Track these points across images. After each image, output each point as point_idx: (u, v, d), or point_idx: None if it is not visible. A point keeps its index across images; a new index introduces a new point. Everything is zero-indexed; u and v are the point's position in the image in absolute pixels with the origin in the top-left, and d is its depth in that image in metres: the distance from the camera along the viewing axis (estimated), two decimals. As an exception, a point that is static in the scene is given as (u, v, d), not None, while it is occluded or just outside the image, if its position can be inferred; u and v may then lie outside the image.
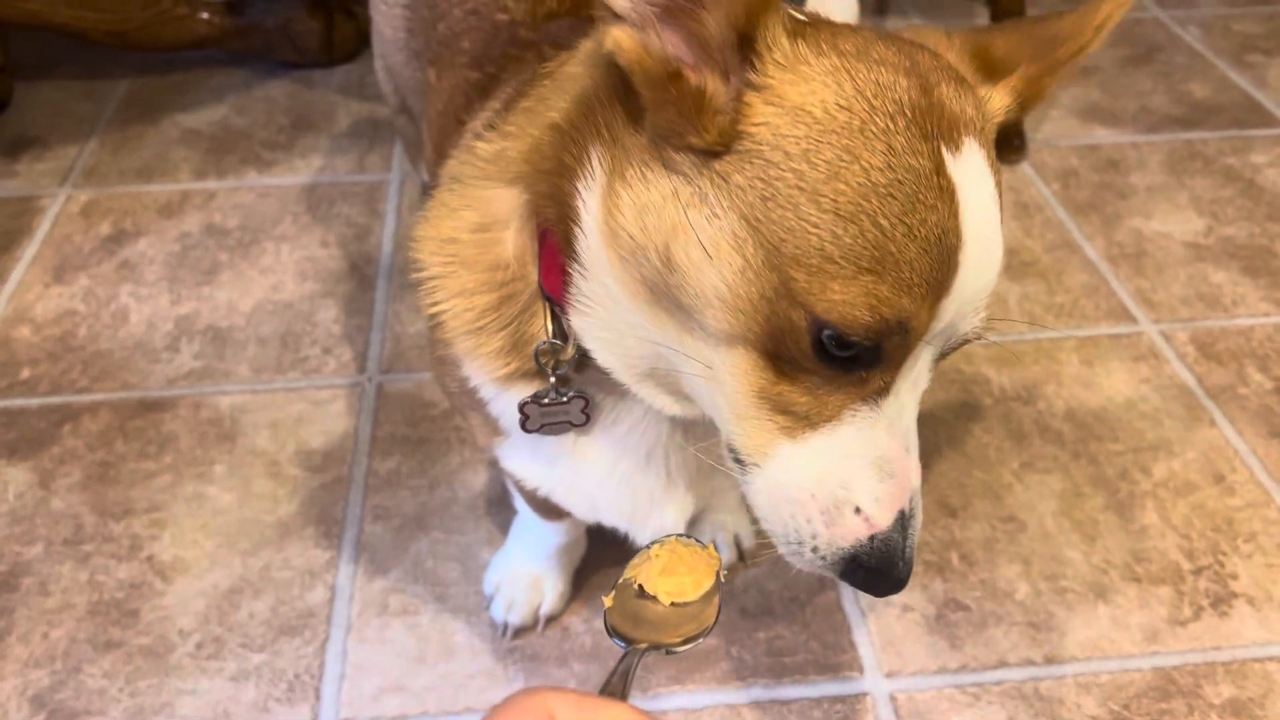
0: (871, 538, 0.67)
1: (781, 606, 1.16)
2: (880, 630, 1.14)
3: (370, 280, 1.63)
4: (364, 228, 1.74)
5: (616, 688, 0.64)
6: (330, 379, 1.45)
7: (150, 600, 1.17)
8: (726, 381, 0.67)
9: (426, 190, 1.11)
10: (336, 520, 1.26)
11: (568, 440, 0.83)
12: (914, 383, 0.67)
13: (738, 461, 0.70)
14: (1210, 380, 1.44)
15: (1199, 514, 1.26)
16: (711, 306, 0.65)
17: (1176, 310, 1.56)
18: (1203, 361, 1.47)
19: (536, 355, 0.76)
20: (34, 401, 1.42)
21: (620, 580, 0.72)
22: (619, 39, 0.63)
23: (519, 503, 1.08)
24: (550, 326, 0.75)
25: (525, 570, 1.13)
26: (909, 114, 0.62)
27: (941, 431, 1.36)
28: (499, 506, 1.27)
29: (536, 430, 0.80)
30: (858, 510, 0.67)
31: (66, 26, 2.04)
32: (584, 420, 0.80)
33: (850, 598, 1.17)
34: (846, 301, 0.61)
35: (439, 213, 0.79)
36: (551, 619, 1.14)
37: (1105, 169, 1.87)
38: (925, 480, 1.30)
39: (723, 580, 0.72)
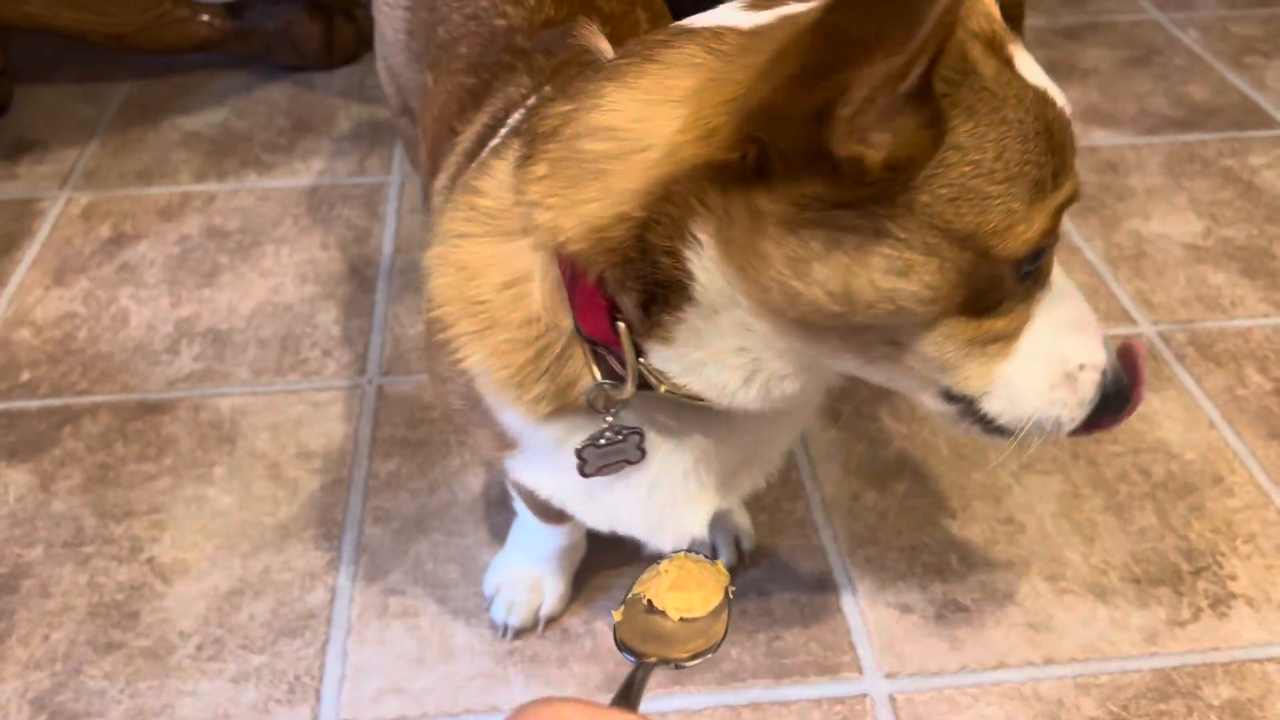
0: (1103, 374, 0.75)
1: (781, 607, 1.16)
2: (880, 631, 1.14)
3: (370, 282, 1.63)
4: (364, 230, 1.75)
5: (628, 701, 0.64)
6: (330, 381, 1.46)
7: (150, 602, 1.17)
8: (928, 351, 0.69)
9: (426, 194, 1.12)
10: (336, 522, 1.26)
11: None
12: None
13: (966, 402, 0.74)
14: (1209, 381, 1.44)
15: (1198, 515, 1.26)
16: (907, 311, 0.65)
17: (1175, 311, 1.56)
18: (1201, 363, 1.47)
19: (589, 400, 0.74)
20: (34, 404, 1.42)
21: (629, 595, 0.72)
22: (871, 158, 0.59)
23: (519, 505, 1.09)
24: (597, 369, 0.73)
25: (525, 572, 1.13)
26: (997, 58, 0.64)
27: (940, 434, 1.36)
28: (499, 508, 1.27)
29: (594, 474, 0.78)
30: (1082, 366, 0.74)
31: (67, 29, 2.05)
32: (640, 457, 0.78)
33: (850, 598, 1.17)
34: (1036, 231, 0.65)
35: (459, 277, 0.75)
36: (552, 620, 1.14)
37: (1104, 170, 1.87)
38: (923, 483, 1.30)
39: (731, 596, 0.73)
